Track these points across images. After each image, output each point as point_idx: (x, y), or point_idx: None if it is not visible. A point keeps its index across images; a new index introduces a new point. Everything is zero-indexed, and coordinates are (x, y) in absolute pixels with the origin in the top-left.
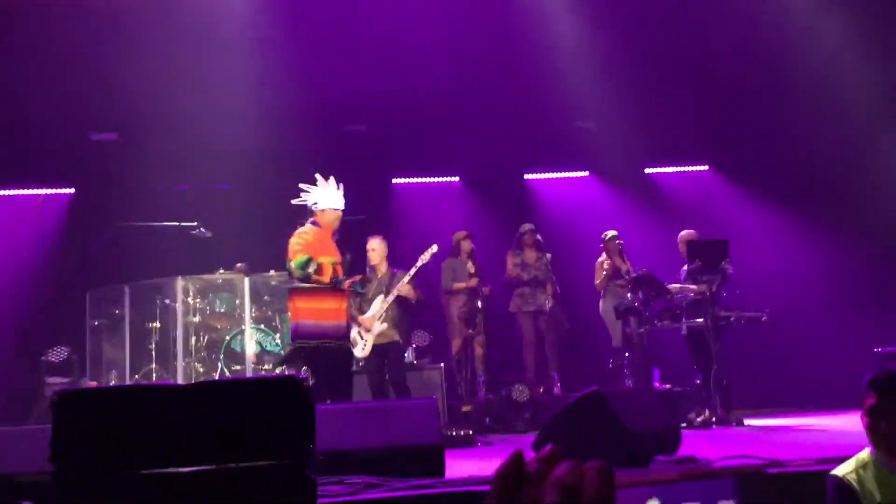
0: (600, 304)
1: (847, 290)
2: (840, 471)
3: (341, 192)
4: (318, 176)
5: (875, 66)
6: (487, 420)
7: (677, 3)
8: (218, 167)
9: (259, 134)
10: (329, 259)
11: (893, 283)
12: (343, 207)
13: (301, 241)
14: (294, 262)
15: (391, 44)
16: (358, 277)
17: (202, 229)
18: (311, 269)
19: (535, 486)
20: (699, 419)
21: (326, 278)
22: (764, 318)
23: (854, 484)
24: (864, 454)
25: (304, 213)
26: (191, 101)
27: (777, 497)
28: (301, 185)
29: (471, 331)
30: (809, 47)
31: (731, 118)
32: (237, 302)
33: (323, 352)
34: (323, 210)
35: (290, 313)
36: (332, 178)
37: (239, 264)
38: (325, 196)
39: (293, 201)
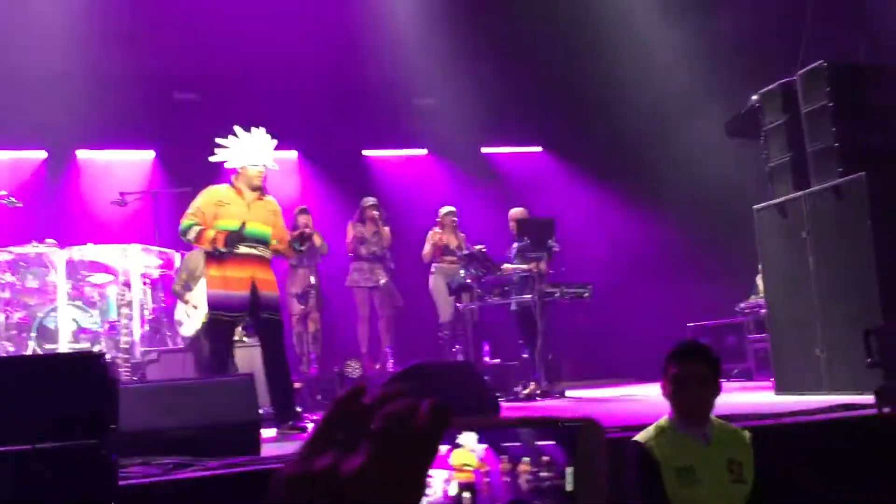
0: (430, 279)
1: (665, 267)
2: (641, 437)
3: (268, 144)
4: (236, 128)
5: (686, 53)
6: (319, 397)
7: None
8: (32, 132)
9: (78, 98)
10: (232, 224)
11: (707, 261)
12: (269, 163)
13: (195, 203)
14: (181, 229)
15: (230, 14)
16: (296, 233)
17: (12, 198)
18: (190, 236)
19: (362, 415)
20: (524, 392)
21: (208, 246)
22: (587, 295)
23: (654, 448)
24: (664, 420)
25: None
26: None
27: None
28: (217, 140)
29: (303, 307)
30: (630, 31)
31: (564, 102)
32: (51, 277)
33: (225, 324)
34: (242, 167)
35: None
36: (255, 130)
37: (48, 239)
38: (244, 151)
39: (210, 158)
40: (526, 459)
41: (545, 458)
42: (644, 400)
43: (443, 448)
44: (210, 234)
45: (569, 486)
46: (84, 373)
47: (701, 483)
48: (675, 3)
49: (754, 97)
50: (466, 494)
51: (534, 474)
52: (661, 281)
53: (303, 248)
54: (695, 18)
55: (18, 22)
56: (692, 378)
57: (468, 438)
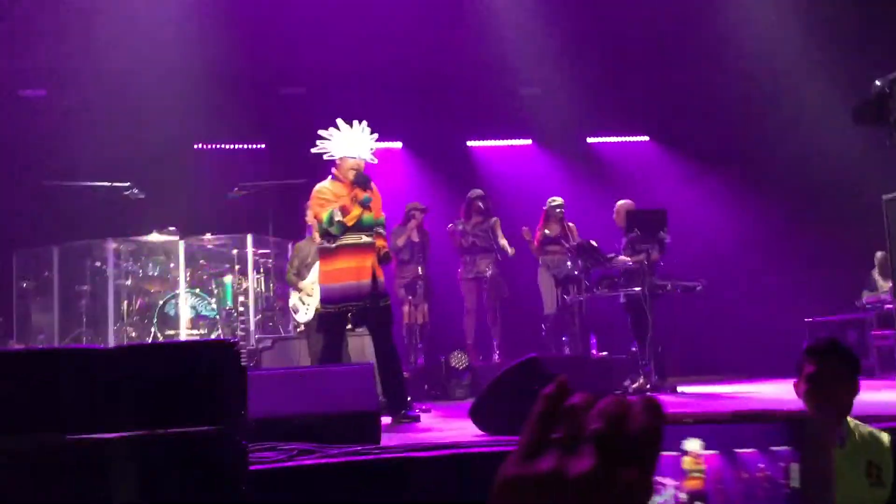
0: (539, 271)
1: (779, 259)
2: None
3: (367, 137)
4: (339, 121)
5: (806, 38)
6: (426, 386)
7: None
8: (151, 127)
9: (195, 94)
10: (355, 211)
11: (823, 253)
12: (366, 156)
13: (320, 201)
14: (324, 222)
15: (335, 9)
16: (360, 195)
17: (135, 190)
18: (338, 217)
19: (575, 414)
20: (634, 386)
21: (355, 212)
22: (699, 288)
23: None
24: None
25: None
26: (123, 58)
27: None
28: (320, 132)
29: (411, 297)
30: (743, 20)
31: (672, 90)
32: (171, 265)
33: (340, 317)
34: (340, 159)
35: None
36: (356, 123)
37: (171, 227)
38: (343, 143)
39: (312, 150)
40: (760, 465)
41: (782, 465)
42: (758, 396)
43: (670, 454)
44: (349, 205)
45: (794, 483)
46: (218, 360)
47: (837, 487)
48: None
49: (878, 82)
50: (697, 503)
51: (770, 481)
52: (774, 274)
53: (384, 263)
54: (810, 2)
55: (135, 24)
56: (831, 377)
57: (694, 444)
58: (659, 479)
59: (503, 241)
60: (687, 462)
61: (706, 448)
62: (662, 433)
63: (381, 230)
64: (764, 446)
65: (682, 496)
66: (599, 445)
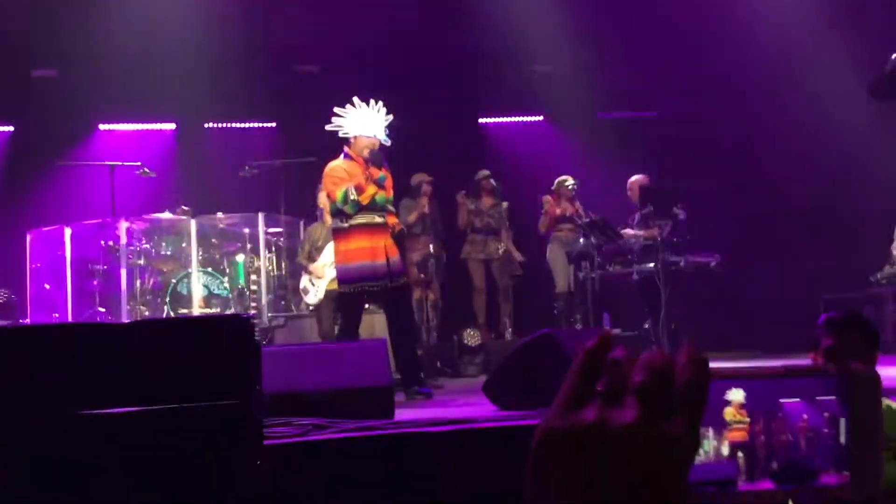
0: (547, 248)
1: (793, 236)
2: None
3: (382, 116)
4: (354, 99)
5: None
6: (438, 364)
7: None
8: (163, 106)
9: (206, 72)
10: (369, 189)
11: (839, 229)
12: (380, 136)
13: (334, 180)
14: (338, 201)
15: None
16: (375, 173)
17: (146, 169)
18: (353, 196)
19: (619, 367)
20: None
21: (370, 191)
22: (713, 264)
23: None
24: None
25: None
26: (132, 37)
27: None
28: (335, 109)
29: (422, 276)
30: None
31: (683, 66)
32: (183, 245)
33: (357, 297)
34: (355, 137)
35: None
36: (373, 102)
37: (183, 206)
38: (358, 121)
39: (327, 127)
40: (805, 417)
41: (826, 415)
42: None
43: (713, 405)
44: (364, 184)
45: (842, 438)
46: (233, 335)
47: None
48: None
49: (894, 56)
50: (740, 454)
51: (815, 431)
52: (789, 251)
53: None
54: None
55: (149, 3)
56: (849, 350)
57: (737, 395)
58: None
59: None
60: (729, 413)
61: (749, 399)
62: (708, 387)
63: (392, 208)
64: (809, 398)
65: (724, 447)
66: (643, 397)
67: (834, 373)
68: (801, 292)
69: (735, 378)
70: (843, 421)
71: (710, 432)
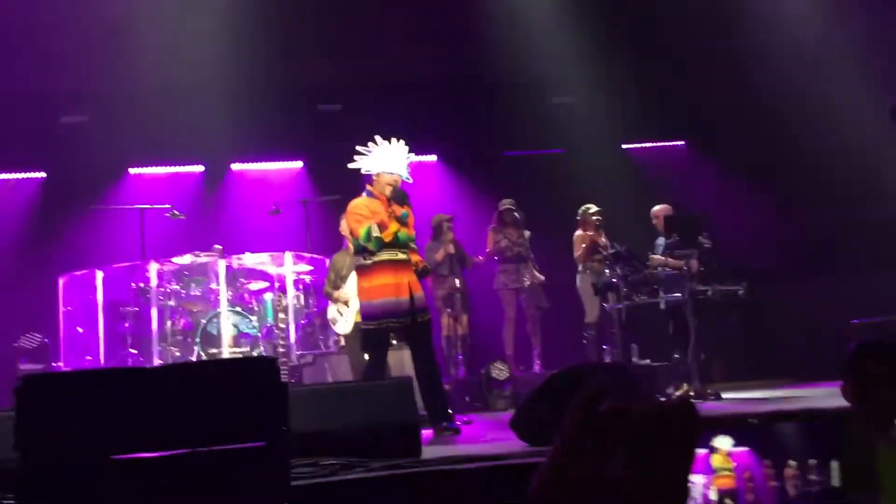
0: (577, 278)
1: (822, 261)
2: None
3: (404, 155)
4: (376, 137)
5: (843, 42)
6: (466, 398)
7: None
8: (191, 148)
9: (231, 113)
10: (392, 227)
11: (868, 254)
12: (403, 174)
13: (357, 217)
14: (361, 238)
15: (367, 24)
16: (398, 210)
17: (175, 211)
18: (375, 233)
19: (610, 420)
20: (677, 393)
21: (392, 228)
22: (741, 293)
23: None
24: None
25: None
26: (158, 81)
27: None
28: (358, 147)
29: (449, 310)
30: (777, 19)
31: (705, 93)
32: (212, 285)
33: (382, 333)
34: (377, 175)
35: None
36: (394, 140)
37: (216, 246)
38: (380, 159)
39: (349, 165)
40: (792, 463)
41: (812, 461)
42: (808, 402)
43: (700, 451)
44: (387, 221)
45: (835, 482)
46: (259, 377)
47: (886, 491)
48: None
49: None
50: (728, 501)
51: (802, 478)
52: (818, 276)
53: (423, 277)
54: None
55: (172, 43)
56: (879, 379)
57: (724, 441)
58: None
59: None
60: (716, 460)
61: (736, 446)
62: (698, 437)
63: (414, 246)
64: (797, 444)
65: (713, 493)
66: (635, 449)
67: (823, 417)
68: (831, 317)
69: (722, 426)
70: (834, 464)
71: (699, 479)
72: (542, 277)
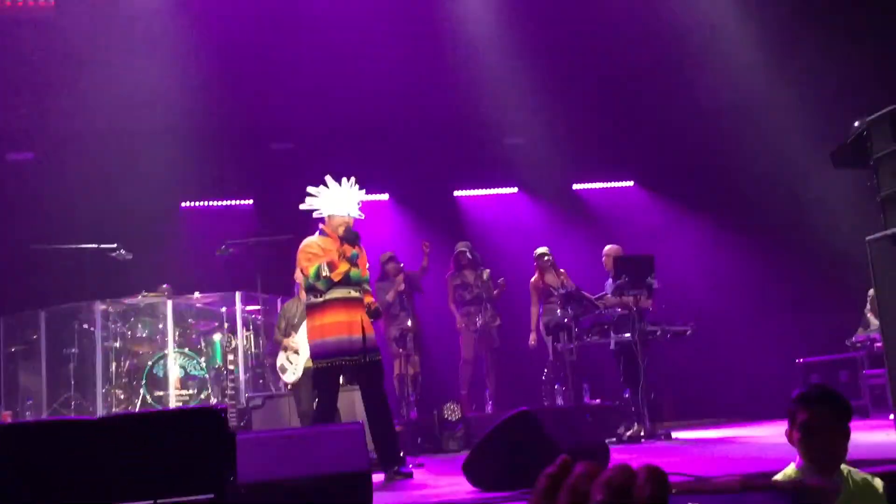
0: (540, 321)
1: (768, 301)
2: None
3: (355, 195)
4: (327, 178)
5: (788, 83)
6: (419, 440)
7: (599, 24)
8: (138, 187)
9: (182, 152)
10: (342, 266)
11: (812, 294)
12: (354, 213)
13: (308, 255)
14: (311, 276)
15: (321, 62)
16: (348, 251)
17: (122, 251)
18: (325, 272)
19: (579, 487)
20: (628, 433)
21: (343, 268)
22: (689, 332)
23: None
24: (790, 469)
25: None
26: (108, 119)
27: None
28: (309, 189)
29: (401, 350)
30: (726, 67)
31: (654, 135)
32: (160, 326)
33: (334, 371)
34: (329, 216)
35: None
36: (345, 181)
37: (164, 286)
38: (331, 201)
39: (300, 206)
40: None
41: None
42: (752, 441)
43: None
44: (337, 261)
45: None
46: (205, 427)
47: None
48: (765, 37)
49: (857, 124)
50: None
51: None
52: (764, 316)
53: (375, 318)
54: (787, 52)
55: (124, 86)
56: (824, 425)
57: None
58: None
59: (495, 292)
60: None
61: None
62: (666, 502)
63: (367, 286)
64: None
65: None
66: None
67: (790, 489)
68: (778, 356)
69: (691, 493)
70: None
71: None
72: (498, 319)
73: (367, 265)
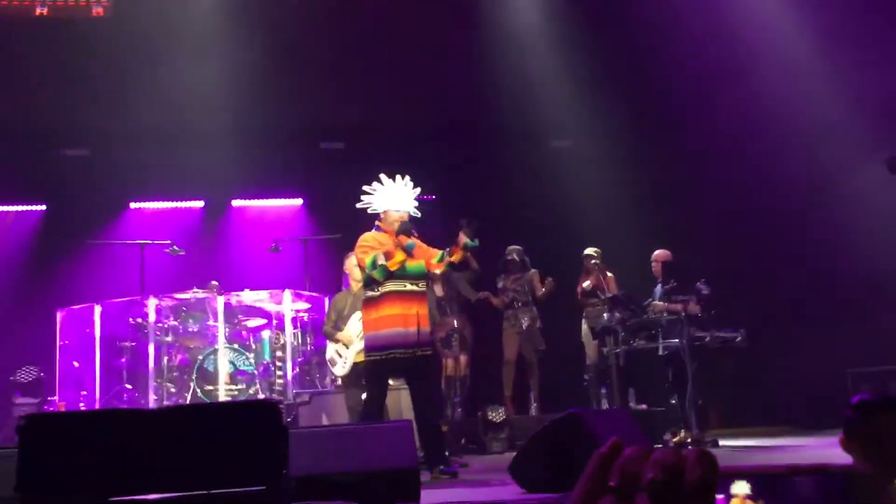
0: (583, 323)
1: (821, 308)
2: None
3: (410, 190)
4: (382, 176)
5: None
6: (463, 440)
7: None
8: (192, 184)
9: (233, 149)
10: (398, 256)
11: (865, 301)
12: (409, 209)
13: (364, 248)
14: (367, 267)
15: (368, 65)
16: (404, 241)
17: (175, 247)
18: (381, 261)
19: (629, 468)
20: (674, 440)
21: (399, 257)
22: (739, 339)
23: None
24: None
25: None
26: (162, 117)
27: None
28: (364, 187)
29: (447, 351)
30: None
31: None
32: (210, 321)
33: (386, 365)
34: (385, 212)
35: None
36: (399, 178)
37: (213, 282)
38: (387, 197)
39: (357, 205)
40: None
41: None
42: (807, 450)
43: (718, 496)
44: (394, 250)
45: None
46: (260, 420)
47: None
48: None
49: None
50: None
51: None
52: (815, 323)
53: (474, 244)
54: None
55: (178, 86)
56: (883, 434)
57: (741, 487)
58: None
59: (540, 293)
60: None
61: (753, 495)
62: (716, 485)
63: (435, 271)
64: (813, 499)
65: None
66: (654, 494)
67: (841, 473)
68: (829, 367)
69: (740, 476)
70: None
71: None
72: (539, 321)
73: (431, 251)
